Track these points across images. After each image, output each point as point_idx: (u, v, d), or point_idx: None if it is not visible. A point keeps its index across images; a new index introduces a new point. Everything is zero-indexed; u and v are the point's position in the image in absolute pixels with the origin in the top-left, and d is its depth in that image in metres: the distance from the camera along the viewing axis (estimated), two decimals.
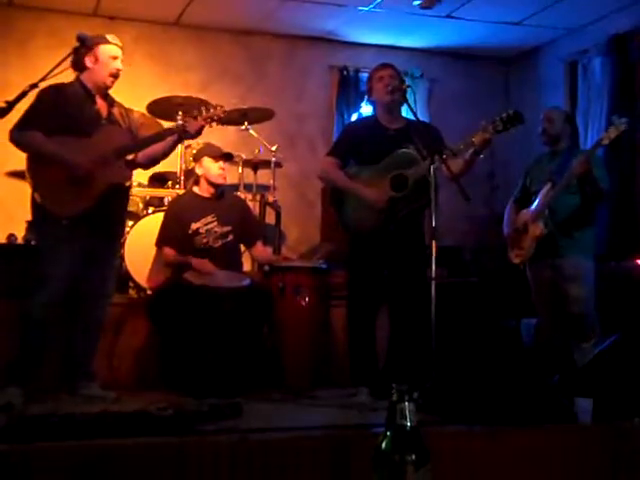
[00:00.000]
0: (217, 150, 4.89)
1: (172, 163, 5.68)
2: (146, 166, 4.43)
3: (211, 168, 4.77)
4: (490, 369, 3.47)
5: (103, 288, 4.14)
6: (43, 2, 6.53)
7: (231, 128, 6.11)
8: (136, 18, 6.90)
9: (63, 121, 3.91)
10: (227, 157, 4.91)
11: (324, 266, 4.96)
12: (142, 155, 4.21)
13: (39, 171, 3.89)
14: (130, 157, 4.15)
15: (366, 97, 4.58)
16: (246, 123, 5.84)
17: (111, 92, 4.17)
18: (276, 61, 7.42)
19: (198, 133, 4.19)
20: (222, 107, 4.20)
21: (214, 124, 4.19)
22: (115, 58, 4.04)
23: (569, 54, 7.04)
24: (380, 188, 4.16)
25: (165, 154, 4.27)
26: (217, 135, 6.21)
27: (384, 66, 4.35)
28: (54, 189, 3.87)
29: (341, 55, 7.51)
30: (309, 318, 4.74)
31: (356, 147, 4.31)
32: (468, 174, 4.14)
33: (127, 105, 4.29)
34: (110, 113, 4.11)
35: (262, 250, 5.01)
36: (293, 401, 4.22)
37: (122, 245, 5.10)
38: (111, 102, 4.16)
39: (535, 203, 4.64)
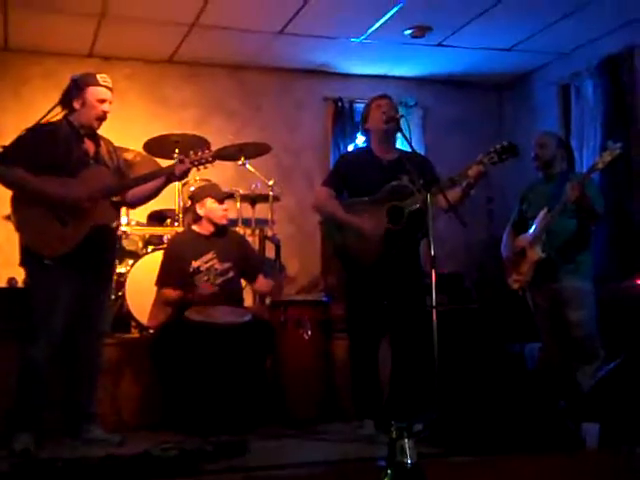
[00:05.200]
0: (220, 192, 4.90)
1: (170, 201, 5.69)
2: (134, 205, 4.39)
3: (215, 210, 4.79)
4: (495, 396, 3.46)
5: (95, 328, 4.07)
6: (38, 45, 6.56)
7: (228, 163, 6.12)
8: (130, 57, 6.95)
9: (49, 160, 3.84)
10: (229, 197, 4.91)
11: (325, 299, 4.95)
12: (131, 194, 4.15)
13: (23, 211, 3.84)
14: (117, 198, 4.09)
15: (360, 127, 4.58)
16: (243, 158, 5.84)
17: (105, 131, 4.14)
18: (271, 95, 7.46)
19: (185, 176, 4.18)
20: (210, 151, 4.16)
21: (201, 167, 4.15)
22: (103, 101, 3.95)
23: (561, 77, 7.07)
24: (377, 219, 4.16)
25: (156, 193, 4.21)
26: (214, 171, 6.17)
27: (383, 96, 4.42)
28: (38, 229, 3.82)
29: (335, 87, 7.54)
30: (311, 351, 4.73)
31: (350, 178, 4.33)
32: (463, 203, 4.17)
33: (120, 144, 4.26)
34: (97, 153, 4.04)
35: (264, 282, 4.99)
36: (298, 436, 4.20)
37: (122, 284, 5.13)
38: (98, 141, 4.07)
39: (532, 228, 4.64)
